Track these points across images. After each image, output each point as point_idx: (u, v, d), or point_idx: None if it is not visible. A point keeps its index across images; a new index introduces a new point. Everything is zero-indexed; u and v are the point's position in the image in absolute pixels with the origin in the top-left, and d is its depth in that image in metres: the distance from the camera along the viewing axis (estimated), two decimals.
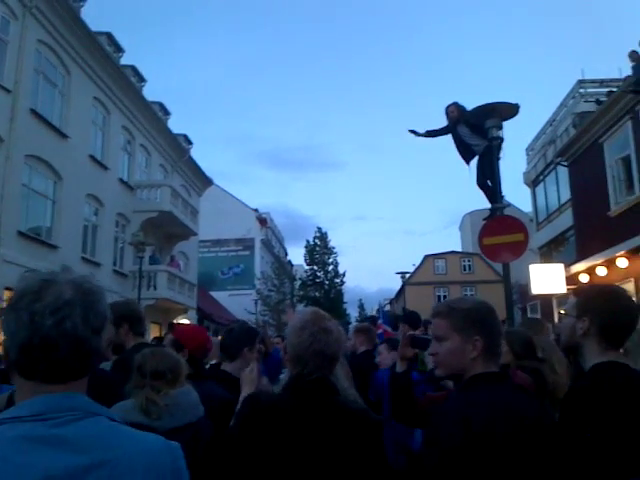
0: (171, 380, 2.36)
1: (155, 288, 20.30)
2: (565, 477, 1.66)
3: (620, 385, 1.75)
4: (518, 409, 1.70)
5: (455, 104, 7.31)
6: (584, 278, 14.57)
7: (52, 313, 1.02)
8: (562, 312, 2.62)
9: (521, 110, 6.35)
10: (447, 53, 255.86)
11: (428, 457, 1.67)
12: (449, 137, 7.39)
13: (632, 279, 13.66)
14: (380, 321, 7.52)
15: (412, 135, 7.48)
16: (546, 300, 17.53)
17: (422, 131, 7.52)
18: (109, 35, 20.66)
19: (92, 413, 1.06)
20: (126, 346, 3.18)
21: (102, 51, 18.10)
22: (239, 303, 34.39)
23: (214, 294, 35.32)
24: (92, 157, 17.88)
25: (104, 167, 18.63)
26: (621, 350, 1.93)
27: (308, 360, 1.85)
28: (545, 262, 18.75)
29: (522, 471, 1.59)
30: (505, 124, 6.40)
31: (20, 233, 14.08)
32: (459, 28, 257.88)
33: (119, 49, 21.62)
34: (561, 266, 15.24)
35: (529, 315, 19.80)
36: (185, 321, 14.94)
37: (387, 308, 48.56)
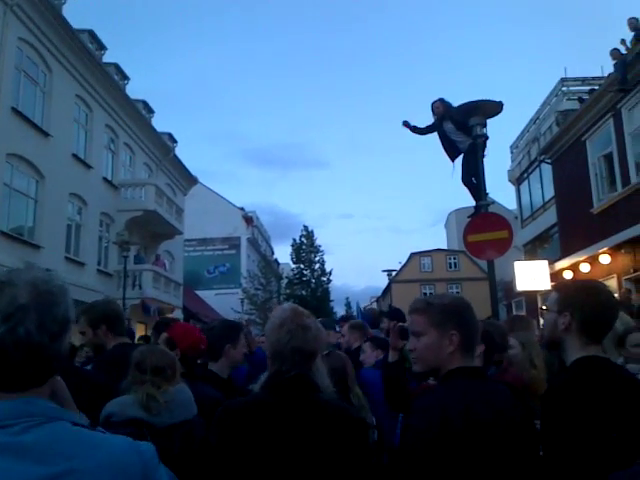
0: (170, 376, 2.39)
1: (140, 287, 20.17)
2: (544, 471, 1.67)
3: (601, 379, 1.76)
4: (495, 403, 1.72)
5: (441, 100, 7.36)
6: (568, 275, 14.72)
7: (4, 320, 0.98)
8: (544, 308, 2.66)
9: (505, 108, 6.39)
10: (432, 51, 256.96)
11: (406, 448, 1.68)
12: (435, 134, 7.43)
13: (615, 275, 13.83)
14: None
15: (403, 128, 7.50)
16: (531, 297, 17.70)
17: (411, 125, 7.56)
18: (91, 32, 20.46)
19: (53, 418, 1.00)
20: (107, 347, 3.13)
21: (84, 49, 17.89)
22: (225, 302, 34.24)
23: (200, 293, 35.16)
24: (75, 156, 17.68)
25: (87, 166, 18.43)
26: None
27: (286, 357, 1.85)
28: (530, 259, 18.91)
29: (498, 464, 1.60)
30: (489, 122, 6.43)
31: (2, 233, 13.89)
32: (445, 27, 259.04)
33: (101, 47, 21.41)
34: (545, 263, 15.39)
35: (514, 312, 19.96)
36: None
37: (374, 306, 48.72)
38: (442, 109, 7.23)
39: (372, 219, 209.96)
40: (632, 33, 13.04)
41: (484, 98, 6.37)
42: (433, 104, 7.35)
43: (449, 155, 7.31)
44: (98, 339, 3.14)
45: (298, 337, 1.87)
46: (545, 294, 15.13)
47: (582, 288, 1.99)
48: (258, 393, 1.90)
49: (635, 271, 13.05)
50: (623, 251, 13.25)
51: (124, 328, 3.31)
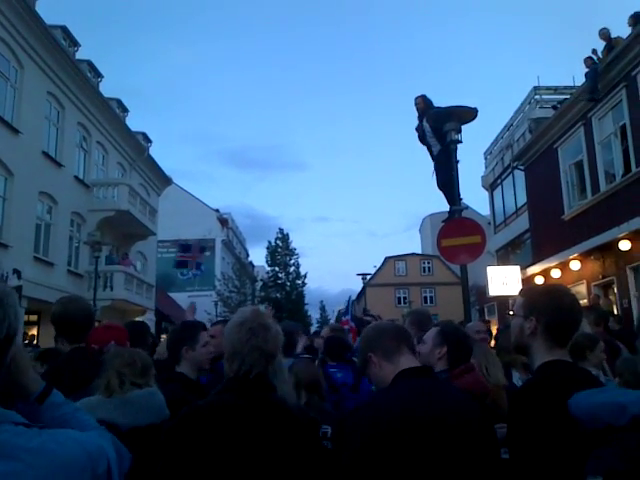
0: (140, 370, 2.40)
1: (112, 289, 19.85)
2: (507, 472, 1.68)
3: (565, 383, 1.77)
4: (441, 401, 1.76)
5: (422, 96, 7.49)
6: (539, 280, 14.92)
7: None
8: (510, 313, 2.68)
9: (480, 115, 6.44)
10: (409, 56, 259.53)
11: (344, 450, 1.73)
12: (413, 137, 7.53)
13: (584, 281, 14.07)
14: (347, 317, 7.39)
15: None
16: (503, 302, 17.90)
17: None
18: (64, 29, 20.11)
19: None
20: (62, 351, 2.97)
21: (57, 45, 17.56)
22: (199, 304, 33.55)
23: (173, 295, 34.72)
24: (45, 153, 17.32)
25: (58, 164, 18.08)
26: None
27: (246, 356, 1.83)
28: (502, 264, 19.15)
29: (438, 460, 1.63)
30: (464, 128, 6.47)
31: None
32: (422, 33, 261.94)
33: (75, 43, 21.07)
34: (517, 268, 15.59)
35: (487, 316, 20.19)
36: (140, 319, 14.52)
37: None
38: (423, 105, 7.36)
39: (347, 222, 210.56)
40: (604, 43, 13.30)
41: (459, 104, 6.43)
42: (415, 99, 7.47)
43: (430, 152, 7.41)
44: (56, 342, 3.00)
45: (258, 336, 1.85)
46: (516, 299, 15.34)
47: (546, 292, 2.00)
48: (222, 394, 1.85)
49: (604, 277, 13.30)
50: (592, 257, 13.49)
51: (83, 334, 3.01)
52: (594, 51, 13.34)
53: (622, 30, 12.81)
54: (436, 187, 7.51)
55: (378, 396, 1.83)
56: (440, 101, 7.54)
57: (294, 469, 1.69)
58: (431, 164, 7.49)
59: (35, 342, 14.87)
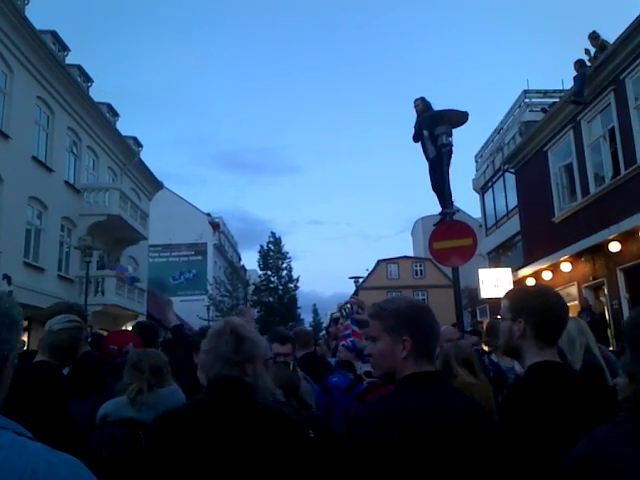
0: (166, 374, 2.55)
1: (103, 294, 19.75)
2: (501, 475, 1.67)
3: (556, 383, 1.78)
4: (449, 407, 1.68)
5: (422, 99, 7.61)
6: (531, 282, 14.99)
7: None
8: (498, 317, 2.69)
9: (471, 118, 6.47)
10: (401, 60, 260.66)
11: (348, 456, 1.68)
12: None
13: (575, 283, 14.16)
14: (347, 322, 7.31)
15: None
16: (495, 304, 17.96)
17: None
18: (54, 33, 20.04)
19: None
20: None
21: (46, 50, 17.49)
22: (191, 309, 33.77)
23: None
24: (35, 158, 17.22)
25: (48, 169, 17.98)
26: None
27: (217, 361, 1.91)
28: (494, 267, 19.22)
29: (452, 468, 1.58)
30: (455, 131, 6.52)
31: None
32: (413, 38, 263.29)
33: (64, 48, 20.98)
34: (509, 270, 15.66)
35: (479, 318, 20.26)
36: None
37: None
38: (422, 107, 7.48)
39: (341, 225, 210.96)
40: (593, 47, 13.37)
41: (450, 108, 6.47)
42: (415, 101, 7.59)
43: (424, 151, 7.49)
44: None
45: (229, 344, 1.91)
46: None
47: (531, 293, 2.02)
48: (202, 396, 1.89)
49: (594, 279, 13.38)
50: (583, 259, 13.58)
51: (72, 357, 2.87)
52: (587, 51, 13.33)
53: (612, 34, 12.90)
54: (431, 189, 7.60)
55: (394, 398, 1.77)
56: (432, 104, 7.64)
57: (272, 467, 1.71)
58: (421, 165, 7.61)
59: (25, 348, 14.74)
